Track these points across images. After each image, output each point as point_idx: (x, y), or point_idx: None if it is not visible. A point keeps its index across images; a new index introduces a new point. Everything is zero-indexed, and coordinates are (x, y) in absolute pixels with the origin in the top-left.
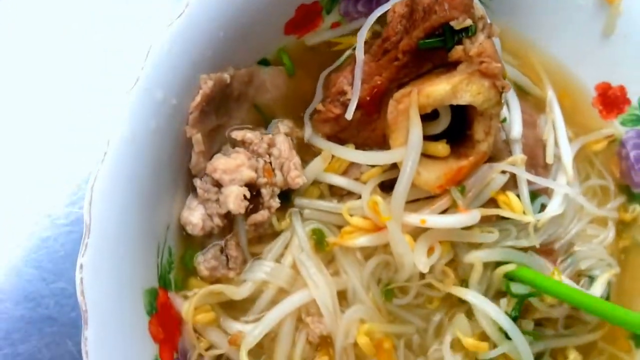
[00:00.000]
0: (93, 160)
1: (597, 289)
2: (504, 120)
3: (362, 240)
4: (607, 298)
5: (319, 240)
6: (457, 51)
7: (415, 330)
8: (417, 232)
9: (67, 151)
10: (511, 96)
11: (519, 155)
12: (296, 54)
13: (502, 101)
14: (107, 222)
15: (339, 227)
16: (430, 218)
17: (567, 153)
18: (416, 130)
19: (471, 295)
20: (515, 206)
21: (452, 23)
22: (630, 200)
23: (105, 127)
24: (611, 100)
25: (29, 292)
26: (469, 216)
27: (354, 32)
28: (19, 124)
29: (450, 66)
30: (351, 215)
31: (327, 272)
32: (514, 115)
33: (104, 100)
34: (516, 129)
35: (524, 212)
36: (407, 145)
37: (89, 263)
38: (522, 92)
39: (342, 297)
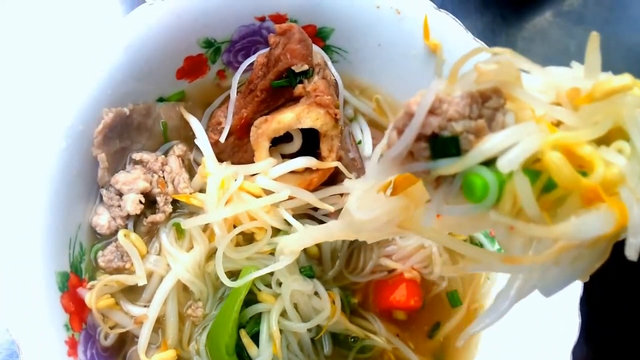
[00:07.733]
0: None
1: None
2: (359, 142)
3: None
4: None
5: (178, 229)
6: (299, 88)
7: None
8: None
9: None
10: (363, 125)
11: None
12: (192, 92)
13: (339, 125)
14: (24, 219)
15: None
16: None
17: None
18: None
19: None
20: None
21: (293, 68)
22: None
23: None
24: None
25: None
26: None
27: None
28: None
29: (297, 100)
30: None
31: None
32: (366, 138)
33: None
34: (367, 148)
35: None
36: None
37: (9, 249)
38: (375, 123)
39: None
